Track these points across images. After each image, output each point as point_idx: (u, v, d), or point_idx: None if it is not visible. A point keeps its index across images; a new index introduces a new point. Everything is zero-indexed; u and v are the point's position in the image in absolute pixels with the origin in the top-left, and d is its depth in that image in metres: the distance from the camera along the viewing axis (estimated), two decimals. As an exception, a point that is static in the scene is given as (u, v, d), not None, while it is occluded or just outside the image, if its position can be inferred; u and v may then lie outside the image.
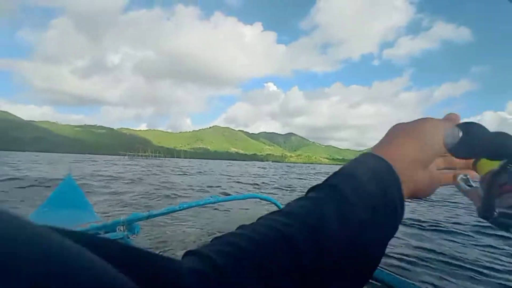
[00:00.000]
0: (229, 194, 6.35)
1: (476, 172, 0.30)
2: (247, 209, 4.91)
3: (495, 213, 0.25)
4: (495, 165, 0.27)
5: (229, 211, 4.66)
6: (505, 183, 0.26)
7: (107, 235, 1.48)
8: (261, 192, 7.07)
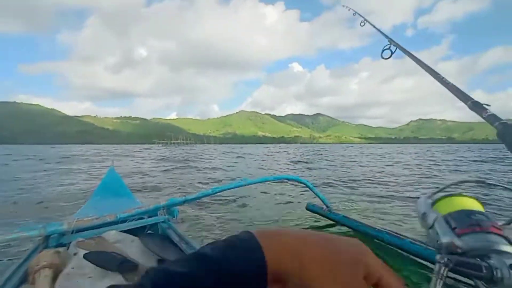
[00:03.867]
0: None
1: (437, 211, 0.32)
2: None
3: (451, 262, 0.26)
4: (454, 207, 0.28)
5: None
6: (455, 227, 0.27)
7: (150, 219, 1.62)
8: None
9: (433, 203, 0.32)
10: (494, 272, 0.26)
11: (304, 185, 2.29)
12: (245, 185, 1.95)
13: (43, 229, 1.26)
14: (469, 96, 0.70)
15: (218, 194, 1.86)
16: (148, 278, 0.21)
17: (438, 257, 0.25)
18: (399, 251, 2.04)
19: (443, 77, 0.83)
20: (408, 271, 1.83)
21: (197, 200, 1.88)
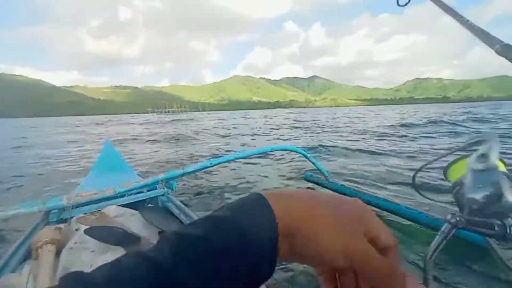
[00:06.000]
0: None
1: (447, 179, 0.30)
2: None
3: (461, 222, 0.25)
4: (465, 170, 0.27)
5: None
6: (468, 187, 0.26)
7: (150, 193, 1.62)
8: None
9: (445, 172, 0.30)
10: (508, 230, 0.25)
11: (302, 155, 2.28)
12: (243, 157, 1.94)
13: (42, 205, 1.26)
14: (497, 39, 0.61)
15: (216, 166, 1.85)
16: (166, 241, 0.21)
17: (448, 216, 0.24)
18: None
19: (467, 20, 0.74)
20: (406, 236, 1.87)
21: (196, 173, 1.88)
